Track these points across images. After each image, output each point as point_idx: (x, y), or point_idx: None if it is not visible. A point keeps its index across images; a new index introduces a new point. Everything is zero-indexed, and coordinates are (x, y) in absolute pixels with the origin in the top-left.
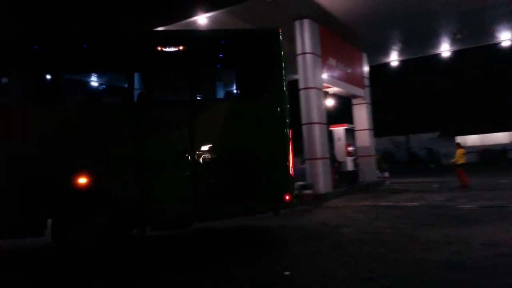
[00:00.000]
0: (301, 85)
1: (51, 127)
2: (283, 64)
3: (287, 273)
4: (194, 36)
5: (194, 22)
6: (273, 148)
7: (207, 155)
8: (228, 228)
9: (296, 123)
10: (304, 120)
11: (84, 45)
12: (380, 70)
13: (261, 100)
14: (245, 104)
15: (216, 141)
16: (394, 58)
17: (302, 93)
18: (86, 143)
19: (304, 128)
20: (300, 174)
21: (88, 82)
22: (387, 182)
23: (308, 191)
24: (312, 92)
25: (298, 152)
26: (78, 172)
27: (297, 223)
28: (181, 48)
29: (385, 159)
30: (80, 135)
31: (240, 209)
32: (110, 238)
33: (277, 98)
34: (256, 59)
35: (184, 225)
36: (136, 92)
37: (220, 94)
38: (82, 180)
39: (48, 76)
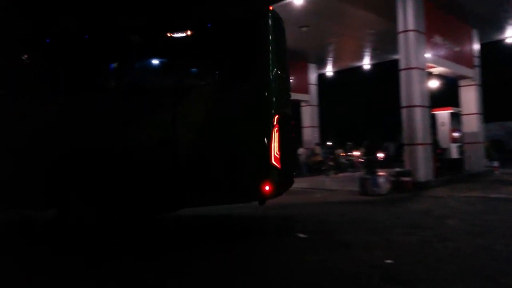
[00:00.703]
0: (401, 65)
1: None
2: (270, 47)
3: (389, 261)
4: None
5: (290, 4)
6: (252, 136)
7: (189, 142)
8: (325, 211)
9: (395, 106)
10: (404, 102)
11: None
12: (492, 48)
13: (242, 86)
14: (223, 90)
15: (196, 128)
16: (509, 35)
17: (402, 74)
18: None
19: (404, 111)
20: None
21: None
22: (497, 172)
23: (407, 178)
24: (414, 73)
25: (393, 137)
26: None
27: (396, 211)
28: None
29: (495, 147)
30: None
31: (218, 198)
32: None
33: (259, 84)
34: (240, 43)
35: (168, 211)
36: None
37: (201, 79)
38: None
39: None
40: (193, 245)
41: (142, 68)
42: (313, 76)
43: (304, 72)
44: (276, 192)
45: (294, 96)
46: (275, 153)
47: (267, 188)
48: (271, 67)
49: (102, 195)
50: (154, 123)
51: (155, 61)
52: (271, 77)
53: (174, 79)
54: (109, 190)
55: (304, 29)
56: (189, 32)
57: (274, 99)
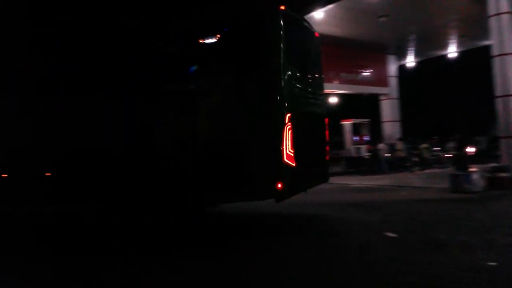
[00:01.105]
0: (494, 51)
1: None
2: (281, 48)
3: (493, 263)
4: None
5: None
6: (262, 135)
7: (207, 143)
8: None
9: (486, 96)
10: (498, 92)
11: None
12: None
13: (252, 87)
14: (236, 92)
15: (213, 129)
16: None
17: (496, 61)
18: None
19: (499, 101)
20: None
21: None
22: None
23: (504, 174)
24: (510, 59)
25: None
26: None
27: (494, 209)
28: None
29: None
30: None
31: (233, 196)
32: None
33: (268, 85)
34: (251, 45)
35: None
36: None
37: (217, 81)
38: None
39: None
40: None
41: (169, 72)
42: (392, 68)
43: (382, 64)
44: (291, 190)
45: (372, 89)
46: (288, 151)
47: (279, 185)
48: (282, 67)
49: (142, 194)
50: (179, 125)
51: (181, 66)
52: (282, 77)
53: (193, 82)
54: (148, 189)
55: (383, 19)
56: (208, 38)
57: (285, 98)
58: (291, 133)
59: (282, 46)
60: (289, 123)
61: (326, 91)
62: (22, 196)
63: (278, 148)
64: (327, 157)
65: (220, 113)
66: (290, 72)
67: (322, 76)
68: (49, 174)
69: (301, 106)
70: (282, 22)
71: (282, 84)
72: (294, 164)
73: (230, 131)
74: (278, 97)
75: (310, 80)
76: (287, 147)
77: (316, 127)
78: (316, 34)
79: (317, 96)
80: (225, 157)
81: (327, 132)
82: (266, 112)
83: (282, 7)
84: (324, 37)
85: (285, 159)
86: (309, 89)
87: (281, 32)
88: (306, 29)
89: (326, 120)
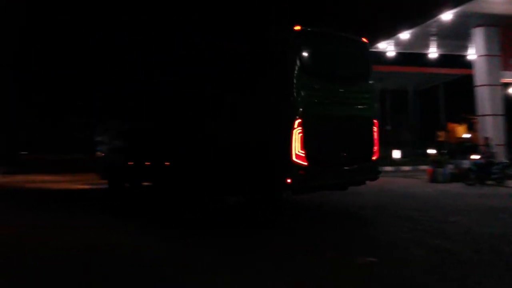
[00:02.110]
0: None
1: None
2: (295, 63)
3: None
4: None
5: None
6: (277, 137)
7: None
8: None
9: None
10: None
11: None
12: None
13: (269, 98)
14: (258, 101)
15: (241, 131)
16: None
17: None
18: None
19: None
20: None
21: None
22: None
23: None
24: None
25: None
26: None
27: None
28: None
29: None
30: None
31: (252, 188)
32: None
33: (281, 96)
34: (271, 60)
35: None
36: None
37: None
38: None
39: None
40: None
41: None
42: None
43: None
44: (304, 185)
45: None
46: (297, 152)
47: (288, 181)
48: (294, 80)
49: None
50: (238, 128)
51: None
52: (293, 89)
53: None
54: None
55: None
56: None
57: (297, 106)
58: (301, 136)
59: (295, 62)
60: (299, 128)
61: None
62: (144, 177)
63: (287, 149)
64: (373, 158)
65: (252, 118)
66: (307, 83)
67: (370, 80)
68: (168, 163)
69: (324, 111)
70: (296, 40)
71: (294, 95)
72: (305, 163)
73: (256, 134)
74: (287, 107)
75: (347, 85)
76: (296, 148)
77: (355, 129)
78: (364, 41)
79: (359, 100)
80: (250, 156)
81: (375, 133)
82: (279, 118)
83: (297, 27)
84: None
85: (294, 159)
86: (343, 94)
87: (294, 50)
88: (340, 39)
89: (375, 121)
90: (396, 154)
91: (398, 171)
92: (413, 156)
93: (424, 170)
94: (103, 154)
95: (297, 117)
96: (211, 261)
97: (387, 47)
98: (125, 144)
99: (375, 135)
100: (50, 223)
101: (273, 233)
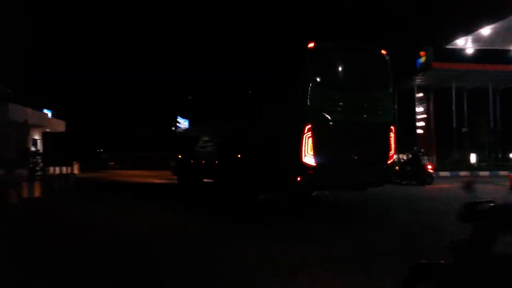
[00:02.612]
0: None
1: None
2: (309, 75)
3: None
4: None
5: None
6: (290, 141)
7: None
8: None
9: None
10: None
11: None
12: None
13: (286, 107)
14: (279, 112)
15: (270, 137)
16: None
17: None
18: None
19: None
20: None
21: None
22: None
23: None
24: None
25: None
26: None
27: None
28: None
29: None
30: None
31: (272, 184)
32: None
33: (293, 106)
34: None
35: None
36: None
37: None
38: None
39: None
40: None
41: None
42: None
43: None
44: (311, 183)
45: None
46: (307, 153)
47: (298, 179)
48: (309, 92)
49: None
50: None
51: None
52: (308, 100)
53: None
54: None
55: None
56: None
57: (308, 114)
58: (311, 139)
59: (310, 75)
60: (309, 132)
61: None
62: (201, 173)
63: (298, 151)
64: (389, 161)
65: (279, 129)
66: (320, 93)
67: (390, 89)
68: (216, 162)
69: (337, 117)
70: (310, 56)
71: (308, 104)
72: (314, 164)
73: (281, 140)
74: (301, 115)
75: (363, 94)
76: (306, 150)
77: (370, 134)
78: (383, 52)
79: (375, 107)
80: (279, 158)
81: (391, 138)
82: (295, 125)
83: (310, 45)
84: None
85: (304, 160)
86: (358, 102)
87: (307, 65)
88: (356, 51)
89: (392, 127)
90: (473, 158)
91: (475, 176)
92: (493, 160)
93: (504, 176)
94: (177, 157)
95: (308, 123)
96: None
97: (466, 43)
98: (194, 152)
99: (392, 140)
100: (141, 207)
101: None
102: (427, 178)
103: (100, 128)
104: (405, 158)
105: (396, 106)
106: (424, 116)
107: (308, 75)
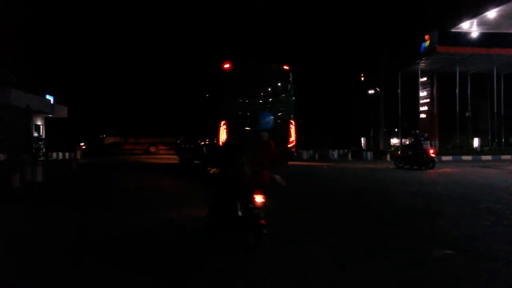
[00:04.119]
0: None
1: None
2: (226, 86)
3: None
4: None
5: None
6: (216, 132)
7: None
8: None
9: None
10: None
11: None
12: None
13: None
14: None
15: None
16: None
17: None
18: None
19: None
20: None
21: None
22: None
23: None
24: None
25: None
26: None
27: None
28: None
29: None
30: None
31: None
32: None
33: (218, 105)
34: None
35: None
36: None
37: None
38: None
39: None
40: None
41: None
42: None
43: None
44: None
45: None
46: (222, 140)
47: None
48: (223, 98)
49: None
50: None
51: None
52: (223, 103)
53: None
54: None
55: None
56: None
57: (222, 113)
58: (225, 131)
59: (224, 86)
60: (224, 126)
61: None
62: (192, 157)
63: (217, 138)
64: (289, 145)
65: (209, 124)
66: (232, 99)
67: (290, 94)
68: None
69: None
70: (225, 74)
71: (222, 106)
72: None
73: (211, 131)
74: (219, 113)
75: (267, 99)
76: (221, 137)
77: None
78: (284, 69)
79: (277, 108)
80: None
81: (291, 129)
82: (216, 120)
83: (226, 66)
84: None
85: (221, 144)
86: (263, 105)
87: (223, 79)
88: (262, 69)
89: (291, 121)
90: (476, 142)
91: (477, 161)
92: (495, 145)
93: (507, 161)
94: (178, 144)
95: (222, 119)
96: None
97: (471, 27)
98: (186, 141)
99: (291, 130)
100: (153, 178)
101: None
102: (429, 163)
103: (105, 114)
104: (407, 142)
105: (399, 91)
106: (428, 100)
107: (223, 86)
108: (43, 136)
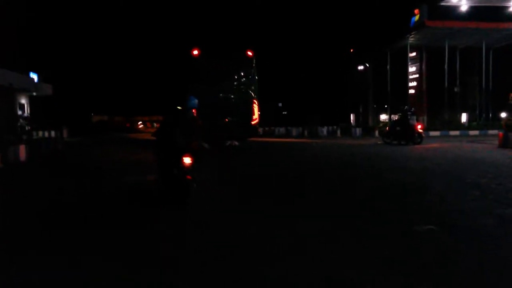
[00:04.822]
0: None
1: None
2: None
3: None
4: None
5: None
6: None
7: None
8: None
9: None
10: None
11: None
12: None
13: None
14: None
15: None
16: None
17: None
18: None
19: None
20: None
21: None
22: None
23: None
24: None
25: None
26: None
27: None
28: None
29: None
30: None
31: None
32: None
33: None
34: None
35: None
36: None
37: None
38: None
39: None
40: None
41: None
42: None
43: None
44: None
45: None
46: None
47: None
48: (192, 78)
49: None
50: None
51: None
52: (193, 84)
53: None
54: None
55: None
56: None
57: (192, 93)
58: (256, 111)
59: (195, 69)
60: (256, 105)
61: None
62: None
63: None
64: (252, 122)
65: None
66: (201, 80)
67: (253, 77)
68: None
69: (212, 95)
70: (194, 58)
71: (193, 87)
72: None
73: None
74: (188, 93)
75: (233, 81)
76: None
77: (237, 104)
78: (248, 55)
79: (241, 89)
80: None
81: (254, 108)
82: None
83: (194, 52)
84: None
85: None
86: (229, 86)
87: (193, 63)
88: (229, 54)
89: (254, 101)
90: (464, 117)
91: (465, 136)
92: (483, 120)
93: (494, 135)
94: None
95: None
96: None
97: (461, 0)
98: None
99: (254, 109)
100: (130, 152)
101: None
102: (417, 138)
103: (92, 93)
104: (396, 118)
105: (388, 67)
106: (416, 76)
107: (193, 69)
108: (27, 115)
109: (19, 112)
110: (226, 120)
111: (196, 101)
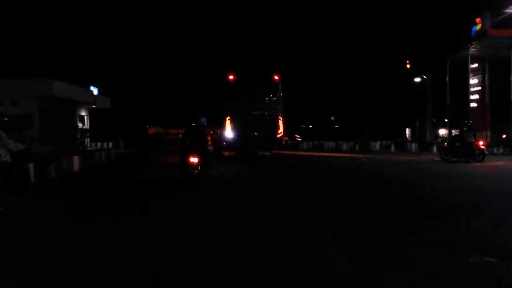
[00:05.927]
0: None
1: None
2: (230, 92)
3: None
4: None
5: None
6: (274, 124)
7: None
8: None
9: None
10: None
11: None
12: None
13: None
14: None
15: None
16: None
17: None
18: None
19: None
20: None
21: None
22: None
23: None
24: None
25: None
26: None
27: None
28: None
29: None
30: None
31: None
32: None
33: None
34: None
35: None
36: None
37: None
38: None
39: None
40: None
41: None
42: None
43: None
44: (226, 148)
45: None
46: (227, 130)
47: (224, 144)
48: (227, 99)
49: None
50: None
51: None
52: (227, 103)
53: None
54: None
55: None
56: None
57: (228, 111)
58: (230, 124)
59: (229, 92)
60: (229, 121)
61: None
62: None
63: (224, 130)
64: (277, 136)
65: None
66: (235, 101)
67: (279, 97)
68: (256, 134)
69: (244, 113)
70: (228, 83)
71: (227, 105)
72: (232, 137)
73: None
74: (225, 111)
75: (261, 101)
76: (227, 129)
77: (266, 120)
78: (274, 79)
79: (269, 107)
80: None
81: (279, 123)
82: (224, 117)
83: (230, 77)
84: None
85: (226, 135)
86: (258, 105)
87: (228, 87)
88: (258, 79)
89: (280, 117)
90: None
91: None
92: None
93: None
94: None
95: (228, 115)
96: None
97: None
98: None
99: (280, 124)
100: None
101: None
102: (478, 155)
103: (148, 106)
104: (456, 133)
105: (447, 78)
106: (479, 88)
107: (228, 92)
108: (87, 127)
109: (79, 125)
110: (256, 133)
111: (204, 119)
